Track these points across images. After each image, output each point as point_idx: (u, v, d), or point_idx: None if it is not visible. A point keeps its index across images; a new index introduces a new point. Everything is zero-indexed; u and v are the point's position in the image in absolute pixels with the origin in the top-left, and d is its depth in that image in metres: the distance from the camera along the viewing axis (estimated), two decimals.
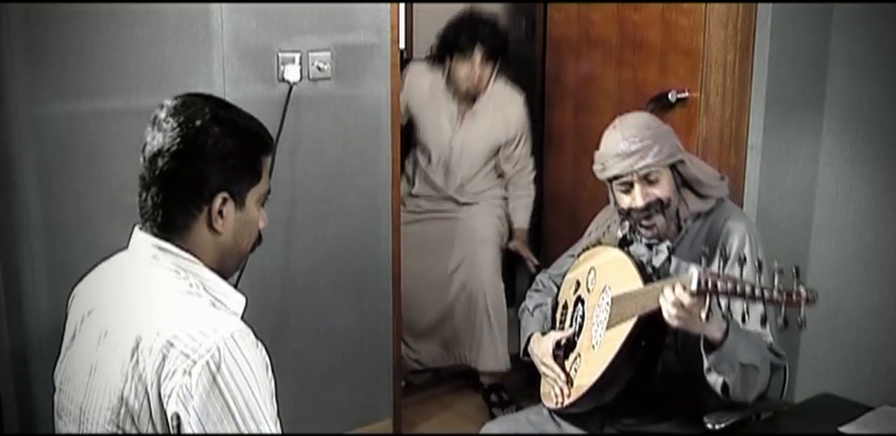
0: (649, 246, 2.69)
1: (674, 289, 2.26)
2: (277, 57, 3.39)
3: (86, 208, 3.08)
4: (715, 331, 2.34)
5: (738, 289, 2.14)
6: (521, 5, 5.79)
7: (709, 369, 2.41)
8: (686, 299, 2.23)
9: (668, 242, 2.67)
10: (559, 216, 4.19)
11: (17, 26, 2.90)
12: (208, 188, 1.80)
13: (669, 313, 2.29)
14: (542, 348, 2.79)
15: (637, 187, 2.62)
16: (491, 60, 4.21)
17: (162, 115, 1.81)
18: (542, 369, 2.78)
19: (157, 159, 1.78)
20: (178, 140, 1.77)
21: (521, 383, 4.28)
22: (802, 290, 2.13)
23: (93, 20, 3.02)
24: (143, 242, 1.83)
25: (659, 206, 2.61)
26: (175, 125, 1.78)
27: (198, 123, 1.78)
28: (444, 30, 4.29)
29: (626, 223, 2.73)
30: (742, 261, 2.20)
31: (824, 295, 3.51)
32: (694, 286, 2.19)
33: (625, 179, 2.63)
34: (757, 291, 2.13)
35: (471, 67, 4.16)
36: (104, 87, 3.08)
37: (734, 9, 3.27)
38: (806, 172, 3.50)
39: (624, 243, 2.75)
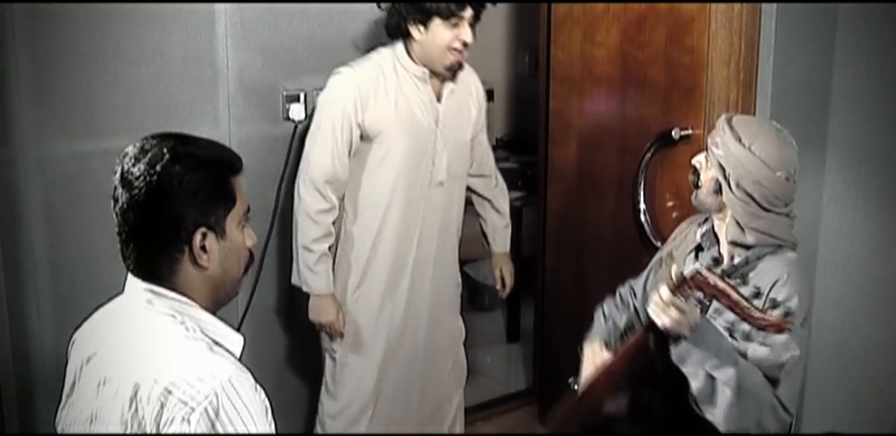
0: (715, 260, 2.66)
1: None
2: (282, 96, 3.41)
3: (91, 247, 3.10)
4: (687, 327, 2.33)
5: (724, 291, 2.18)
6: (525, 42, 5.84)
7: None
8: (664, 294, 2.29)
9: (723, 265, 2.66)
10: (562, 253, 4.19)
11: (25, 66, 2.93)
12: (185, 228, 1.78)
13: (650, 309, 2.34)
14: (592, 359, 2.79)
15: (700, 154, 2.65)
16: (477, 22, 3.24)
17: (125, 166, 1.79)
18: (588, 365, 2.79)
19: (129, 214, 1.77)
20: (143, 190, 1.75)
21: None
22: (775, 318, 2.15)
23: (99, 60, 3.05)
24: (135, 287, 1.83)
25: (695, 176, 2.63)
26: (137, 175, 1.76)
27: (158, 167, 1.76)
28: None
29: (705, 227, 2.73)
30: (758, 295, 2.22)
31: (830, 330, 3.53)
32: (688, 272, 2.22)
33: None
34: (741, 300, 2.16)
35: (458, 34, 3.16)
36: (110, 127, 3.11)
37: (736, 46, 3.29)
38: (810, 207, 3.51)
39: (698, 249, 2.75)
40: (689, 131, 3.44)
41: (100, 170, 3.08)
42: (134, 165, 1.78)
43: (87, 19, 3.01)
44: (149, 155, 1.78)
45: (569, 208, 4.11)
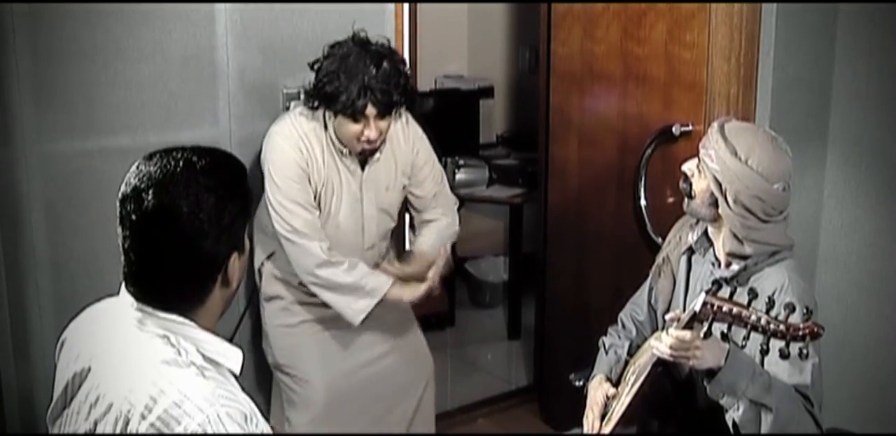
0: (716, 283, 2.61)
1: (667, 331, 2.32)
2: (282, 94, 3.41)
3: (92, 246, 3.09)
4: (713, 359, 2.31)
5: (741, 314, 2.15)
6: (525, 38, 5.83)
7: (724, 407, 2.38)
8: (673, 334, 2.29)
9: (723, 272, 2.62)
10: (562, 249, 4.19)
11: (26, 65, 2.93)
12: (224, 257, 1.73)
13: (659, 349, 2.34)
14: (595, 396, 2.77)
15: (691, 161, 2.62)
16: (389, 115, 3.05)
17: (147, 201, 1.68)
18: (587, 411, 2.77)
19: (160, 253, 1.69)
20: (178, 230, 1.67)
21: None
22: (801, 323, 2.11)
23: (99, 59, 3.05)
24: (127, 304, 1.76)
25: (687, 184, 2.60)
26: (170, 214, 1.67)
27: (195, 203, 1.67)
28: (319, 71, 3.02)
29: (698, 230, 2.71)
30: (770, 304, 2.18)
31: (831, 327, 3.51)
32: (698, 306, 2.19)
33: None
34: (760, 318, 2.13)
35: (362, 129, 3.02)
36: (111, 125, 3.10)
37: (736, 42, 3.29)
38: (810, 203, 3.51)
39: (690, 252, 2.73)
40: (690, 127, 3.43)
41: (100, 168, 3.08)
42: (163, 201, 1.68)
43: (87, 18, 3.01)
44: (181, 188, 1.68)
45: (569, 205, 4.10)
